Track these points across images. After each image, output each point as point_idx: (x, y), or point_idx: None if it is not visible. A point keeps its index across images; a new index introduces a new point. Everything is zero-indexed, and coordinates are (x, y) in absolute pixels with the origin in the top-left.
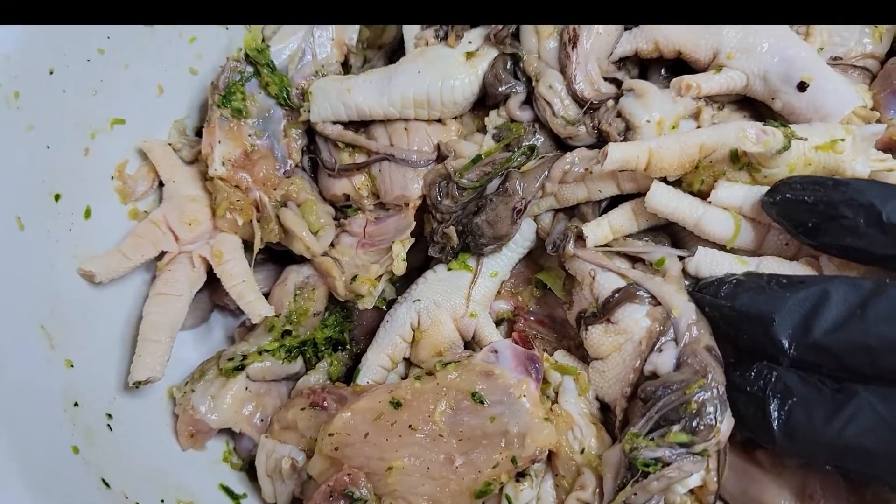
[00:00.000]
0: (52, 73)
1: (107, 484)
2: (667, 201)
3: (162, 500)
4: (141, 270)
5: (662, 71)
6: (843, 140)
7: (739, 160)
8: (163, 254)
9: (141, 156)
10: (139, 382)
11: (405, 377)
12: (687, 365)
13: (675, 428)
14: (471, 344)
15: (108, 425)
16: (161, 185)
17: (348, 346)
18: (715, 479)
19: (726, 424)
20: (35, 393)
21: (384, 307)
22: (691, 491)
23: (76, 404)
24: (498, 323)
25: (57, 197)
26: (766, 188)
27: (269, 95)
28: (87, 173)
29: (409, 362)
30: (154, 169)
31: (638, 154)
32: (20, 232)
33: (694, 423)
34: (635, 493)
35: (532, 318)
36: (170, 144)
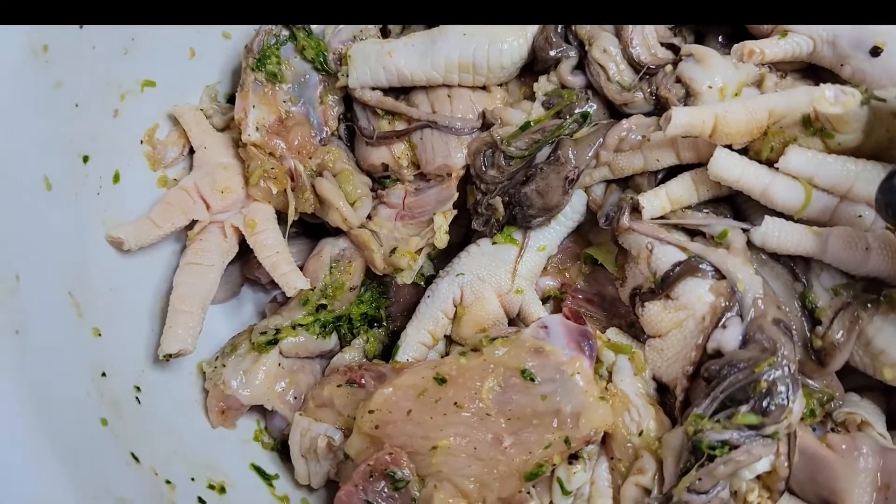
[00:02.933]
0: (81, 27)
1: (136, 458)
2: (732, 167)
3: (192, 479)
4: (171, 240)
5: (720, 38)
6: None
7: (812, 125)
8: (193, 223)
9: (171, 121)
10: (170, 355)
11: (446, 355)
12: (754, 341)
13: (744, 409)
14: (515, 321)
15: (137, 398)
16: (192, 152)
17: (384, 323)
18: (785, 464)
19: (798, 405)
20: (62, 361)
21: (422, 283)
22: (758, 477)
23: (104, 374)
24: (544, 300)
25: (85, 158)
26: (840, 157)
27: (305, 60)
28: (117, 136)
29: (449, 340)
30: (185, 135)
31: (704, 118)
32: (48, 192)
33: (764, 404)
34: (700, 479)
35: (580, 296)
36: (201, 110)
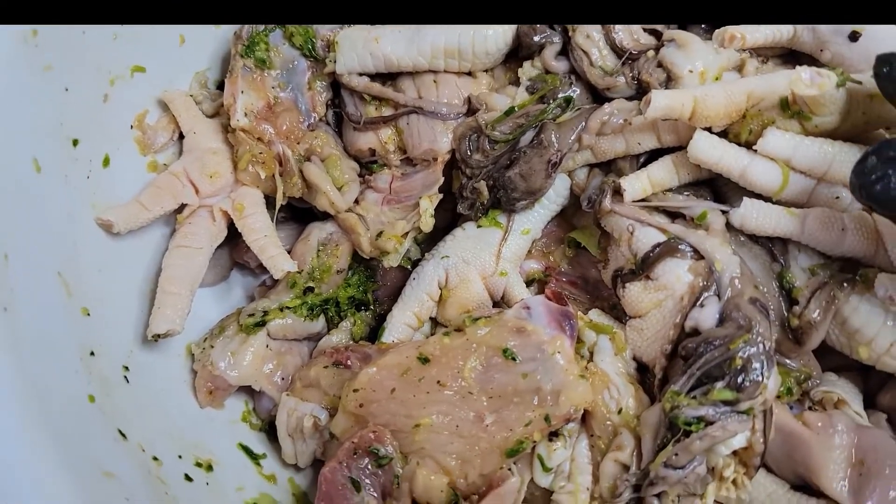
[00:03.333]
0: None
1: (123, 435)
2: (711, 150)
3: (180, 456)
4: (160, 224)
5: (702, 25)
6: None
7: (790, 108)
8: (183, 207)
9: (161, 107)
10: (158, 335)
11: (431, 336)
12: (731, 319)
13: (719, 385)
14: (499, 304)
15: (125, 377)
16: (181, 137)
17: (371, 307)
18: (761, 439)
19: (773, 381)
20: (51, 338)
21: (409, 267)
22: (734, 453)
23: (92, 353)
24: (528, 283)
25: (75, 142)
26: (817, 139)
27: (294, 46)
28: (107, 120)
29: (434, 322)
30: (174, 121)
31: (683, 101)
32: (37, 175)
33: (739, 380)
34: (676, 454)
35: (564, 279)
36: (191, 96)
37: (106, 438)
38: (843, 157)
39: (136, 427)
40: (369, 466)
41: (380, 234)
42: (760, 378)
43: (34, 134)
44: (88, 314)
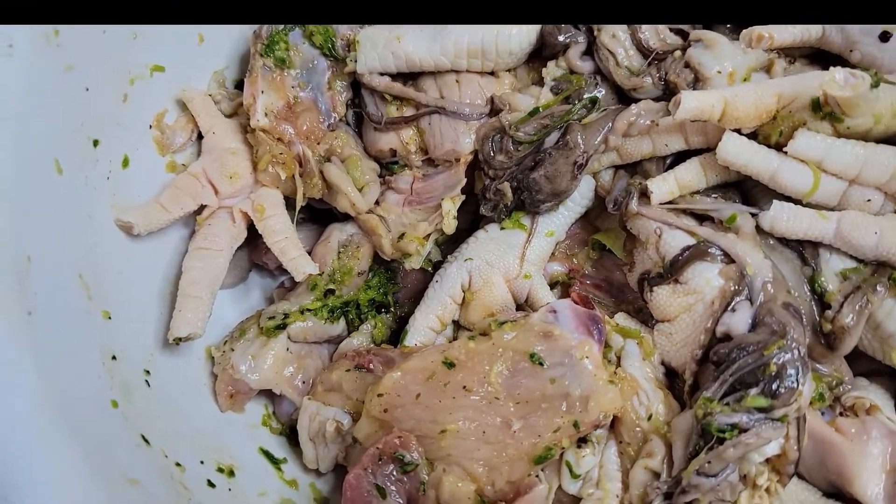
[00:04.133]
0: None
1: (147, 441)
2: (740, 152)
3: (202, 462)
4: (179, 226)
5: (728, 24)
6: None
7: (821, 109)
8: (202, 208)
9: (180, 107)
10: (179, 339)
11: (454, 340)
12: (764, 325)
13: (753, 391)
14: (523, 306)
15: (147, 381)
16: (200, 137)
17: (392, 309)
18: (795, 447)
19: (808, 388)
20: (74, 343)
21: (430, 269)
22: (767, 460)
23: (114, 357)
24: (552, 286)
25: (95, 143)
26: (849, 141)
27: (314, 45)
28: (126, 120)
29: (457, 325)
30: (193, 120)
31: (713, 102)
32: (58, 176)
33: (774, 387)
34: (709, 462)
35: (588, 282)
36: (210, 95)
37: (129, 444)
38: (875, 160)
39: (158, 432)
40: (395, 473)
41: (401, 236)
42: (795, 384)
43: (56, 134)
44: (110, 317)
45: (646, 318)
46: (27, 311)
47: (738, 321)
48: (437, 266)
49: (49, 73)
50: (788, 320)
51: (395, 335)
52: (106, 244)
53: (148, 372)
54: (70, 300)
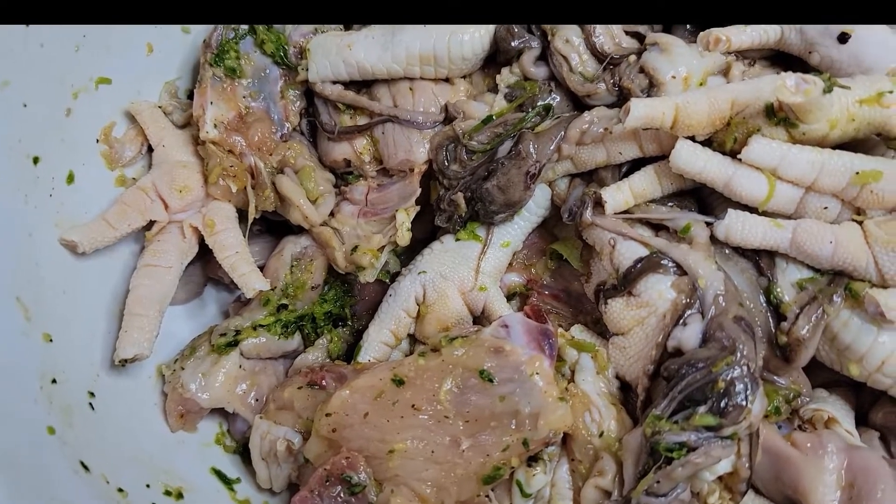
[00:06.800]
0: (28, 25)
1: (86, 467)
2: (693, 160)
3: (147, 486)
4: (128, 241)
5: (688, 25)
6: (891, 92)
7: (776, 115)
8: (151, 223)
9: (129, 119)
10: (125, 360)
11: (410, 355)
12: (714, 339)
13: (701, 409)
14: (480, 319)
15: (90, 404)
16: (150, 150)
17: (349, 322)
18: (746, 465)
19: (758, 405)
20: (6, 368)
21: (387, 281)
22: (720, 478)
23: (54, 381)
24: (510, 297)
25: (35, 160)
26: (805, 147)
27: (265, 54)
28: (70, 136)
29: (413, 339)
30: (142, 133)
31: (664, 110)
32: None
33: (722, 404)
34: (658, 481)
35: (546, 292)
36: (160, 107)
37: (66, 472)
38: (831, 166)
39: (100, 457)
40: (342, 494)
41: (355, 249)
42: (745, 402)
43: None
44: (51, 340)
45: (604, 329)
46: None
47: (689, 335)
48: (396, 277)
49: None
50: (739, 335)
51: (353, 349)
52: (49, 263)
53: (92, 394)
54: (4, 323)
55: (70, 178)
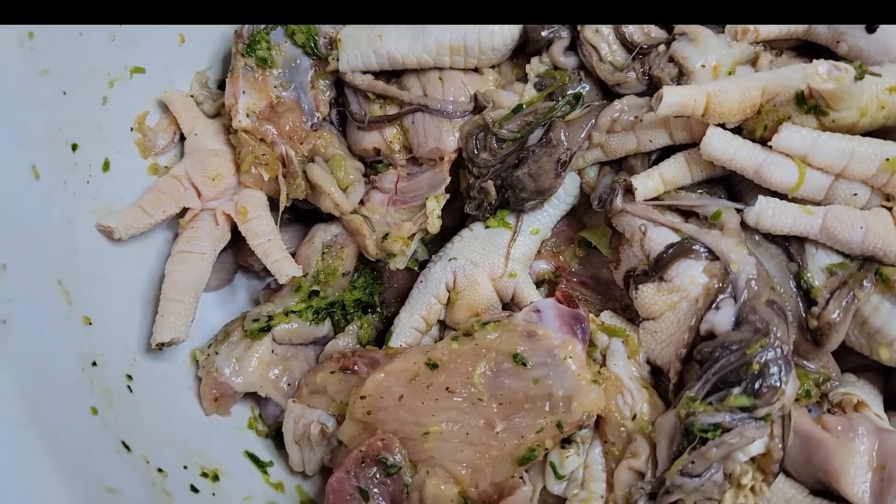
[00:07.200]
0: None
1: (127, 447)
2: (724, 147)
3: (185, 467)
4: (162, 228)
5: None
6: None
7: (806, 103)
8: (185, 211)
9: (161, 108)
10: (162, 344)
11: (440, 340)
12: (747, 323)
13: (736, 391)
14: (509, 305)
15: (129, 387)
16: (182, 139)
17: (378, 309)
18: (779, 446)
19: (791, 386)
20: (52, 350)
21: (416, 268)
22: (753, 459)
23: (94, 364)
24: (538, 284)
25: (74, 147)
26: (834, 135)
27: (296, 44)
28: (106, 124)
29: (443, 325)
30: (175, 122)
31: (695, 97)
32: (35, 181)
33: (756, 385)
34: (692, 462)
35: (574, 279)
36: (191, 96)
37: (109, 451)
38: (861, 153)
39: (140, 438)
40: (378, 475)
41: (385, 236)
42: (778, 383)
43: (32, 140)
44: (90, 323)
45: (633, 315)
46: (1, 320)
47: (722, 319)
48: (424, 265)
49: (24, 78)
50: (772, 318)
51: (382, 336)
52: (87, 249)
53: (130, 377)
54: (48, 307)
55: (106, 166)
